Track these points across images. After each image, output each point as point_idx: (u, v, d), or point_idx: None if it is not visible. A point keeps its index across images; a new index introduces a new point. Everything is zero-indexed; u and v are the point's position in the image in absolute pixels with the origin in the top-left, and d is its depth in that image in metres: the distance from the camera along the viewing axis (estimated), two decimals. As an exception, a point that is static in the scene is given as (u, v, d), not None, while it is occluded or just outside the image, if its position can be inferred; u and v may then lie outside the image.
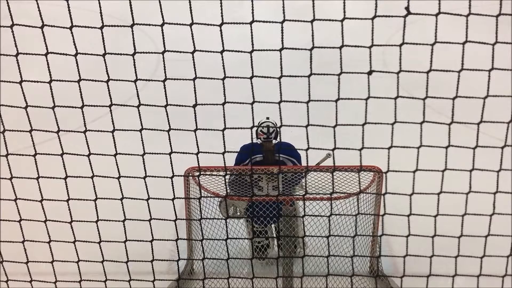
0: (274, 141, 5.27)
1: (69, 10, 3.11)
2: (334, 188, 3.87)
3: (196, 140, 3.49)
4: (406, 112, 3.17)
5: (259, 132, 5.12)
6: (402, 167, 3.39)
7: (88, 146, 3.56)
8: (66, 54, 3.28)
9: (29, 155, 3.61)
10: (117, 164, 3.62)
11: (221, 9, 3.18)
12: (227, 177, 5.10)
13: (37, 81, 3.34)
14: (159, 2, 3.16)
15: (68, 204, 3.75)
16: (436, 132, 3.47)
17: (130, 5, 3.09)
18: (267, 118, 5.17)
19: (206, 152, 3.53)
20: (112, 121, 3.51)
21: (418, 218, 3.54)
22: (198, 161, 3.57)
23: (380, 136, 3.19)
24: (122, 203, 3.69)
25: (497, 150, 3.35)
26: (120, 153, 3.55)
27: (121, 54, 3.28)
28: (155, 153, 3.54)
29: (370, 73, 3.17)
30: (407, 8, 2.92)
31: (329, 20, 3.07)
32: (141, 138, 3.51)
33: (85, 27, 3.17)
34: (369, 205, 5.15)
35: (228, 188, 5.14)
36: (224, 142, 3.46)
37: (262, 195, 5.23)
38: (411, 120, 3.31)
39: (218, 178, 5.05)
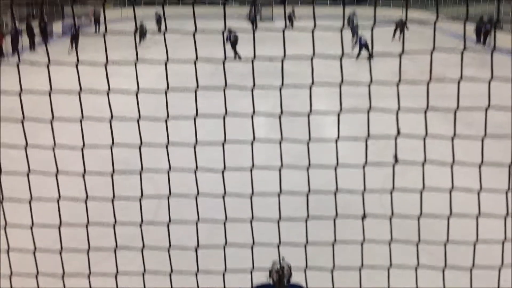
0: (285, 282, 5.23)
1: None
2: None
3: (197, 283, 3.54)
4: (401, 254, 3.26)
5: (273, 273, 5.13)
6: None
7: (90, 289, 3.61)
8: (77, 200, 3.45)
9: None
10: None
11: (223, 155, 3.42)
12: None
13: (47, 226, 3.47)
14: (167, 149, 3.39)
15: None
16: (430, 277, 3.53)
17: (140, 153, 3.33)
18: (283, 258, 5.19)
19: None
20: (116, 264, 3.59)
21: None
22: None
23: (378, 280, 3.26)
24: None
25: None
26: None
27: (128, 199, 3.44)
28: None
29: (364, 217, 3.32)
30: (395, 157, 3.15)
31: (324, 167, 3.29)
32: (143, 280, 3.57)
33: (97, 173, 3.37)
34: None
35: None
36: (224, 284, 3.51)
37: None
38: (407, 263, 3.40)
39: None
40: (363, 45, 22.07)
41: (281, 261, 5.07)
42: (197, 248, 3.44)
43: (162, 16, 29.19)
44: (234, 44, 22.03)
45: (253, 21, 30.87)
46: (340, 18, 2.84)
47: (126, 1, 37.59)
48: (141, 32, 26.54)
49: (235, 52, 21.69)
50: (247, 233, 3.42)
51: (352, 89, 3.57)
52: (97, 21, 29.38)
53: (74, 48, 23.24)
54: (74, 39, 22.97)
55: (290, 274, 5.08)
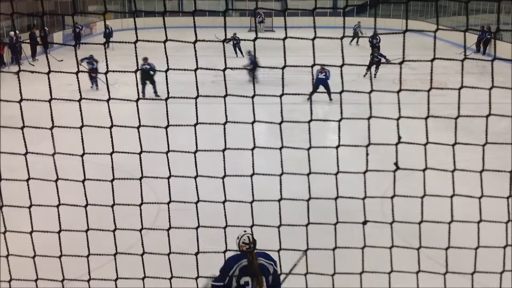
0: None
1: (82, 164, 3.34)
2: None
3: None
4: (404, 261, 3.26)
5: (241, 244, 5.20)
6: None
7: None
8: (77, 206, 3.45)
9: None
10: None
11: (224, 162, 3.42)
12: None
13: (47, 231, 3.48)
14: (167, 156, 3.39)
15: None
16: (432, 280, 3.53)
17: (140, 160, 3.34)
18: (245, 231, 5.27)
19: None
20: (116, 269, 3.59)
21: None
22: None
23: (379, 285, 3.25)
24: None
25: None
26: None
27: (128, 205, 3.45)
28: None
29: (365, 223, 3.32)
30: (396, 164, 3.15)
31: (324, 173, 3.29)
32: (143, 285, 3.56)
33: (97, 180, 3.38)
34: None
35: None
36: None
37: None
38: (408, 269, 3.40)
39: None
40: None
41: (246, 233, 5.15)
42: (197, 254, 3.44)
43: (111, 30, 28.46)
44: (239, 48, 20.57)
45: (254, 31, 30.95)
46: (341, 28, 2.85)
47: (126, 13, 37.70)
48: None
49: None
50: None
51: (353, 97, 3.57)
52: (78, 37, 29.14)
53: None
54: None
55: (255, 244, 5.16)
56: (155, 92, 15.98)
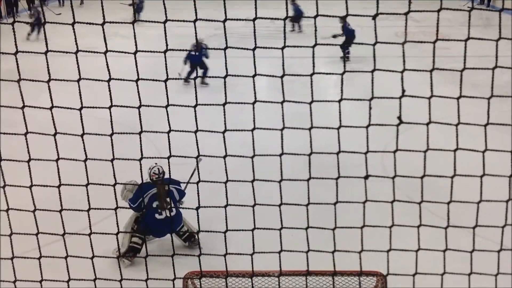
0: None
1: (81, 117, 3.29)
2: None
3: (198, 243, 3.54)
4: (406, 215, 3.26)
5: (151, 174, 6.15)
6: (402, 271, 3.42)
7: (92, 248, 3.62)
8: (76, 160, 3.42)
9: (34, 258, 3.65)
10: (118, 263, 3.65)
11: (224, 116, 3.37)
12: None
13: (46, 186, 3.46)
14: (166, 110, 3.34)
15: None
16: (433, 234, 3.53)
17: (139, 114, 3.29)
18: (156, 163, 6.30)
19: (207, 254, 3.57)
20: (117, 222, 3.60)
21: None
22: (200, 265, 3.61)
23: (380, 240, 3.26)
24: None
25: (495, 249, 3.40)
26: (122, 257, 3.60)
27: (128, 159, 3.42)
28: (155, 255, 3.58)
29: (366, 177, 3.29)
30: (399, 118, 3.10)
31: (326, 128, 3.25)
32: (144, 239, 3.58)
33: (96, 134, 3.34)
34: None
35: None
36: (226, 245, 3.51)
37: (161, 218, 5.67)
38: (410, 223, 3.40)
39: (218, 281, 5.02)
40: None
41: (156, 165, 6.20)
42: (198, 208, 3.43)
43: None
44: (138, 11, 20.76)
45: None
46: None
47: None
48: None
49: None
50: (248, 194, 3.41)
51: (356, 50, 3.50)
52: None
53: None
54: None
55: (164, 173, 6.15)
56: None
